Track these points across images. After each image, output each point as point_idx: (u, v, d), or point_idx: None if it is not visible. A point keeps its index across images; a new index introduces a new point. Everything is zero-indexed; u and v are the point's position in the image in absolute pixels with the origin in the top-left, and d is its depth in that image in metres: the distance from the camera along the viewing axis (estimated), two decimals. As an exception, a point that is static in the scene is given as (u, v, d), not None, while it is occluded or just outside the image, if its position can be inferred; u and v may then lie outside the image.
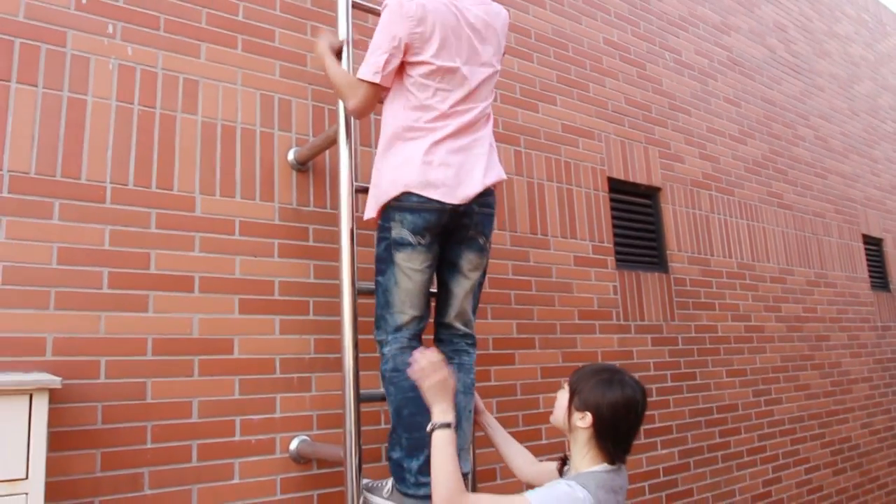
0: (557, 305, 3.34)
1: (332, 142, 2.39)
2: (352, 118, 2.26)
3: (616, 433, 1.67)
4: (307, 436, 2.45)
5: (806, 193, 5.51)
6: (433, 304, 2.25)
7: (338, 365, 2.33)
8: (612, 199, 3.83)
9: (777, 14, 5.87)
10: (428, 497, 1.92)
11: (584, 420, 1.68)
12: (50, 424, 1.81)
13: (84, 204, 2.20)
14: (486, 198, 2.17)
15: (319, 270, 2.60)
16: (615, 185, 3.88)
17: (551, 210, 3.46)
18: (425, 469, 1.92)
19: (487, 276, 3.06)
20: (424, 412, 1.85)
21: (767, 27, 5.68)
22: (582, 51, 3.90)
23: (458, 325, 2.23)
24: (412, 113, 2.09)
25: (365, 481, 2.15)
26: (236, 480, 2.29)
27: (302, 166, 2.62)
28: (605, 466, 1.67)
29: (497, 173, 2.20)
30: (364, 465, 2.36)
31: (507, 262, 3.18)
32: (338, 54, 2.28)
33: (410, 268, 2.06)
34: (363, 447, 2.24)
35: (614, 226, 3.81)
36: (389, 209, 2.08)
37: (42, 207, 2.13)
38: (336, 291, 2.26)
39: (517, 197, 3.31)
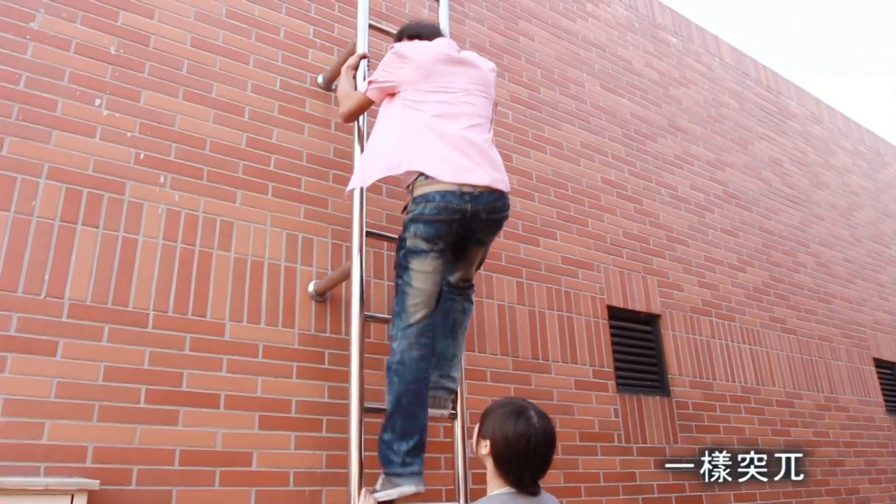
0: (559, 427, 3.49)
1: (347, 275, 2.73)
2: (363, 255, 2.63)
3: (509, 461, 1.85)
4: (316, 547, 2.62)
5: (810, 318, 5.68)
6: None
7: (347, 480, 2.54)
8: (611, 326, 4.08)
9: (771, 150, 6.29)
10: (412, 475, 2.31)
11: (486, 448, 1.90)
12: (86, 526, 2.05)
13: (130, 328, 2.53)
14: (494, 204, 2.47)
15: (333, 391, 2.86)
16: (615, 313, 4.14)
17: (552, 337, 3.71)
18: (414, 451, 2.33)
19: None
20: (420, 403, 2.36)
21: (762, 162, 6.08)
22: (581, 189, 4.29)
23: (460, 282, 2.71)
24: (416, 122, 2.49)
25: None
26: (248, 588, 2.46)
27: (320, 297, 2.95)
28: (506, 490, 1.86)
29: (499, 178, 2.50)
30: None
31: (509, 386, 3.41)
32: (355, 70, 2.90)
33: (423, 271, 2.41)
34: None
35: (614, 351, 4.03)
36: (407, 222, 2.45)
37: (94, 331, 2.46)
38: (347, 410, 2.52)
39: (519, 324, 3.58)
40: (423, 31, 2.78)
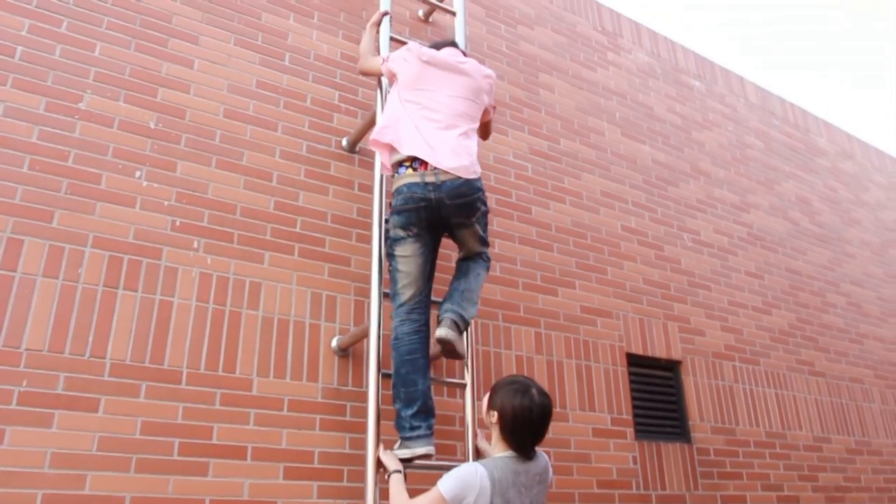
0: (576, 475, 3.61)
1: (368, 333, 2.89)
2: (381, 314, 2.80)
3: (514, 431, 2.17)
4: None
5: (840, 360, 5.65)
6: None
7: (364, 528, 2.69)
8: (630, 373, 4.16)
9: (799, 189, 6.30)
10: (420, 437, 2.61)
11: (493, 417, 2.23)
12: (121, 575, 2.23)
13: (165, 385, 2.73)
14: (458, 189, 2.73)
15: (354, 442, 3.01)
16: (634, 360, 4.22)
17: (570, 385, 3.82)
18: (417, 416, 2.62)
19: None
20: (418, 371, 2.66)
21: (789, 202, 6.10)
22: (600, 238, 4.40)
23: (472, 253, 2.92)
24: (406, 115, 2.85)
25: None
26: None
27: (343, 352, 3.12)
28: (509, 454, 2.19)
29: (463, 167, 2.75)
30: None
31: (525, 433, 3.51)
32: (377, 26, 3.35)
33: (404, 255, 2.75)
34: None
35: (633, 398, 4.11)
36: (388, 216, 2.83)
37: (133, 388, 2.67)
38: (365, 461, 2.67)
39: (536, 374, 3.69)
40: (438, 44, 3.18)
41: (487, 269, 2.96)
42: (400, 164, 2.79)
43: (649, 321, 4.39)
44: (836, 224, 6.50)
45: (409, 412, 2.63)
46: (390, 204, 2.86)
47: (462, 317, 2.75)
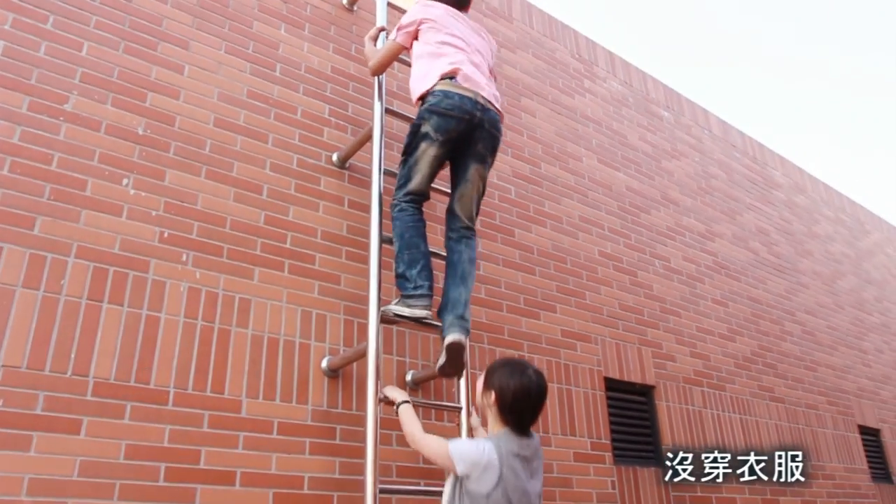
0: (559, 500, 3.59)
1: (362, 355, 2.82)
2: (379, 336, 2.73)
3: (513, 409, 2.24)
4: None
5: (797, 386, 5.82)
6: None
7: (357, 557, 2.60)
8: (608, 398, 4.18)
9: (758, 220, 6.50)
10: (423, 296, 2.74)
11: (490, 398, 2.28)
12: None
13: (151, 406, 2.59)
14: (495, 121, 2.94)
15: (344, 467, 2.91)
16: (611, 385, 4.24)
17: (552, 409, 3.80)
18: (421, 275, 2.76)
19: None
20: (420, 236, 2.83)
21: (750, 232, 6.28)
22: (579, 262, 4.43)
23: (463, 217, 2.95)
24: (434, 61, 2.96)
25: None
26: None
27: (333, 373, 3.02)
28: (507, 430, 2.25)
29: (499, 101, 2.99)
30: None
31: (511, 458, 3.48)
32: (375, 41, 3.40)
33: (427, 154, 2.86)
34: None
35: (611, 423, 4.12)
36: (424, 111, 2.87)
37: (117, 409, 2.52)
38: (357, 486, 2.59)
39: (521, 397, 3.67)
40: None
41: (476, 255, 2.97)
42: (442, 77, 2.87)
43: (625, 346, 4.43)
44: (791, 255, 6.73)
45: (413, 272, 2.75)
46: (420, 99, 2.94)
47: (468, 325, 2.80)
